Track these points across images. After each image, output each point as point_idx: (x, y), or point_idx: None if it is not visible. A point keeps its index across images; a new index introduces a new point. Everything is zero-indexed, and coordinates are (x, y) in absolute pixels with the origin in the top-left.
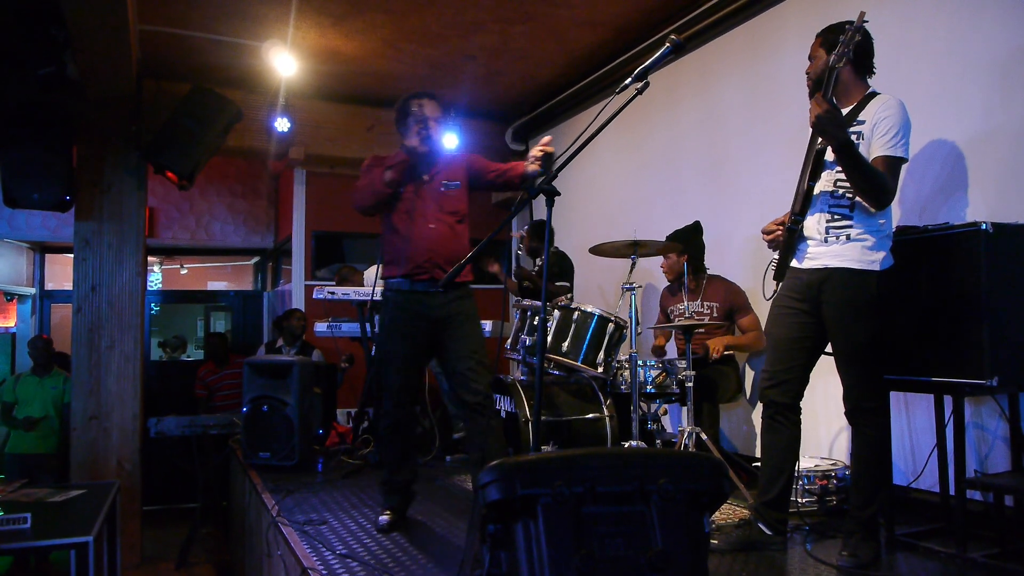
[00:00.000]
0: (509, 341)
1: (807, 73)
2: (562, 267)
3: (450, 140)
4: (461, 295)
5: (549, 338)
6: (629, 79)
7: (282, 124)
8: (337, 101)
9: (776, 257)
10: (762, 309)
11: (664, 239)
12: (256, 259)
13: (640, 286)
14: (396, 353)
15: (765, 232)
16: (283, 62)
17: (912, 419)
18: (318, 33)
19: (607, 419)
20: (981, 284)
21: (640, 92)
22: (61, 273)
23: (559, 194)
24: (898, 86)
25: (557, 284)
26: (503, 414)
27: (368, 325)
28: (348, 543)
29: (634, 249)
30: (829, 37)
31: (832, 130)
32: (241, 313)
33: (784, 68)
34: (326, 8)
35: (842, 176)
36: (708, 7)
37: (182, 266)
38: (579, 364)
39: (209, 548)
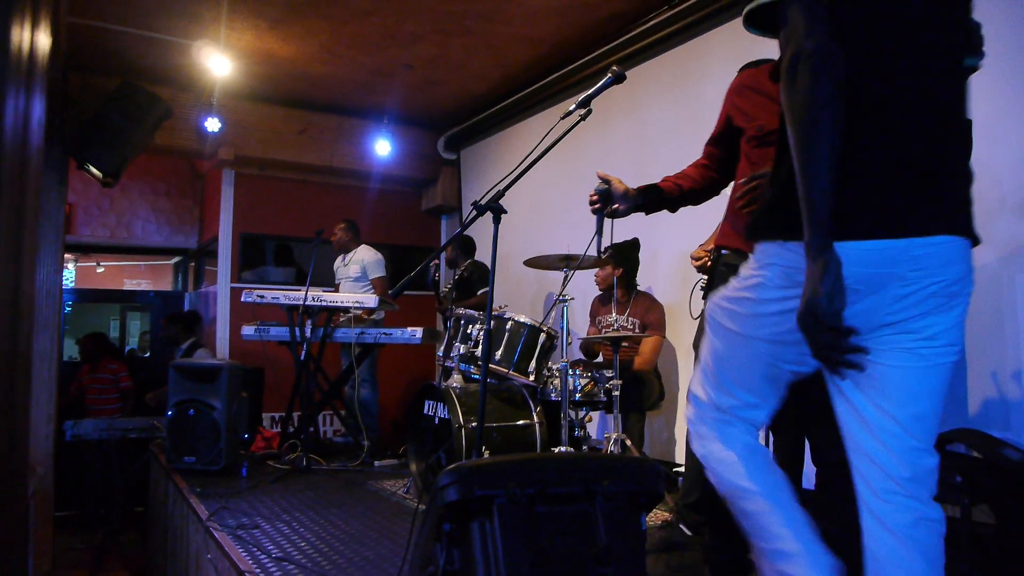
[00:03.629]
0: (442, 348)
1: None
2: (483, 277)
3: (382, 147)
4: None
5: (482, 346)
6: (574, 106)
7: (212, 124)
8: (270, 103)
9: (704, 278)
10: (685, 327)
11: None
12: (177, 259)
13: (572, 298)
14: None
15: (693, 257)
16: (217, 62)
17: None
18: (254, 35)
19: (537, 426)
20: None
21: (583, 119)
22: None
23: (505, 212)
24: None
25: (479, 293)
26: (436, 420)
27: (297, 329)
28: (282, 546)
29: (566, 262)
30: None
31: None
32: (160, 314)
33: (710, 92)
34: (264, 11)
35: None
36: (640, 31)
37: (98, 264)
38: (511, 372)
39: (125, 555)
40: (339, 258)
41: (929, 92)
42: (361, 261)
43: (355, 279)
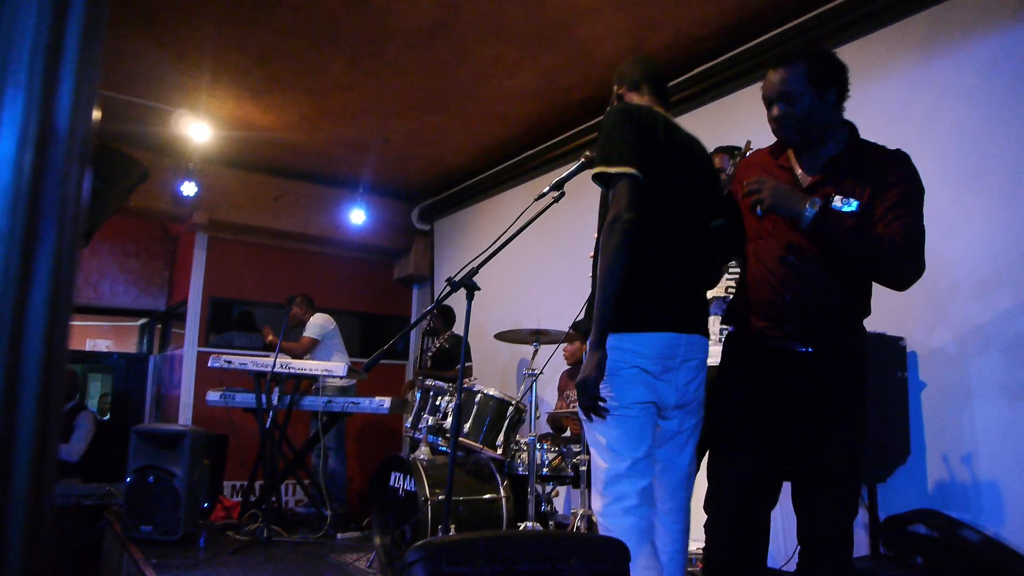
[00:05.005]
0: (410, 420)
1: None
2: (459, 351)
3: (356, 216)
4: None
5: (451, 418)
6: (548, 188)
7: (189, 188)
8: (247, 169)
9: None
10: None
11: (568, 327)
12: (144, 321)
13: (541, 372)
14: None
15: None
16: (196, 129)
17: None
18: (235, 104)
19: (504, 500)
20: None
21: (556, 201)
22: None
23: (479, 288)
24: None
25: (457, 368)
26: (402, 493)
27: (264, 396)
28: None
29: (536, 336)
30: (731, 155)
31: None
32: (124, 376)
33: None
34: (247, 81)
35: (732, 283)
36: None
37: None
38: (479, 445)
39: None
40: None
41: (691, 242)
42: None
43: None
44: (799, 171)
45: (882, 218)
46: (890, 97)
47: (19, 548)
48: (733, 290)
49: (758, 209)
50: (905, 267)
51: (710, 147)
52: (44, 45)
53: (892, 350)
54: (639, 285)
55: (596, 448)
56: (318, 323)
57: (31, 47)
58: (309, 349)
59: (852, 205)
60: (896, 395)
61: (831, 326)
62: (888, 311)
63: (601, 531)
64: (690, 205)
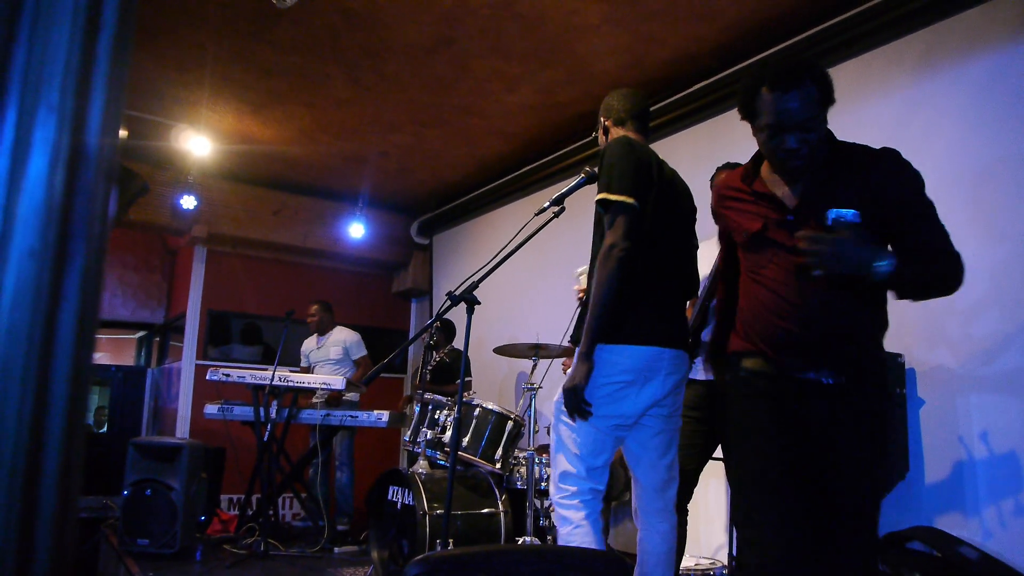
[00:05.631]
0: (408, 433)
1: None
2: (459, 366)
3: (355, 230)
4: None
5: (449, 432)
6: (548, 203)
7: (188, 202)
8: (246, 183)
9: None
10: None
11: (567, 341)
12: (142, 334)
13: (540, 387)
14: None
15: None
16: (196, 143)
17: None
18: (235, 118)
19: (502, 514)
20: None
21: (556, 216)
22: None
23: (479, 303)
24: None
25: (457, 382)
26: (399, 507)
27: (262, 409)
28: None
29: (535, 351)
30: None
31: None
32: (121, 389)
33: None
34: (247, 96)
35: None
36: None
37: None
38: (477, 459)
39: None
40: (312, 340)
41: (675, 264)
42: (342, 343)
43: (336, 361)
44: (780, 192)
45: (908, 229)
46: (887, 115)
47: (45, 564)
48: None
49: (815, 272)
50: (962, 271)
51: (709, 164)
52: (76, 66)
53: (891, 367)
54: (628, 302)
55: (560, 446)
56: (359, 339)
57: (63, 68)
58: (369, 366)
59: (849, 215)
60: (895, 412)
61: (857, 352)
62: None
63: (554, 515)
64: (675, 231)
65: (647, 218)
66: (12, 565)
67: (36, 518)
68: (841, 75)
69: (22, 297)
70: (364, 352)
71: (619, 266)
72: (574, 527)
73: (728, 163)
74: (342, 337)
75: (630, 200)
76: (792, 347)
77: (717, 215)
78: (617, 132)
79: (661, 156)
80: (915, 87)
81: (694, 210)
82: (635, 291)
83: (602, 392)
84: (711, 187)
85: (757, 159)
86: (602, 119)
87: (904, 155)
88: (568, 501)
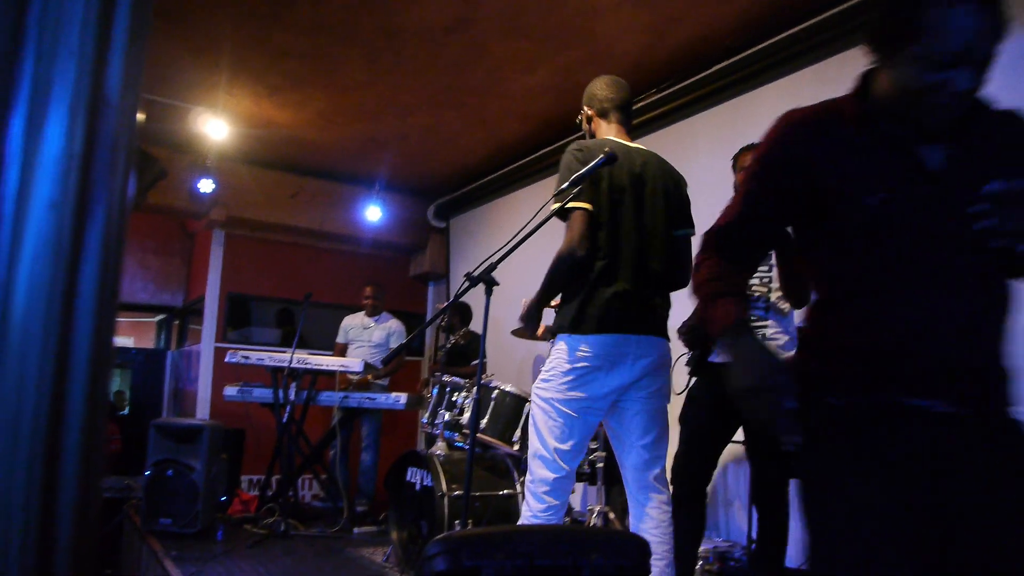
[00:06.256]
0: (426, 415)
1: (738, 183)
2: (476, 347)
3: (373, 213)
4: None
5: (467, 414)
6: (567, 184)
7: (206, 185)
8: (264, 166)
9: (685, 354)
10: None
11: None
12: (161, 317)
13: None
14: None
15: (680, 332)
16: (214, 127)
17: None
18: (252, 102)
19: (520, 496)
20: None
21: (576, 198)
22: None
23: (497, 284)
24: None
25: (474, 364)
26: (418, 488)
27: (281, 391)
28: None
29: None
30: None
31: None
32: (142, 371)
33: (694, 174)
34: (264, 79)
35: (756, 280)
36: None
37: None
38: (495, 440)
39: None
40: (357, 317)
41: (644, 255)
42: (388, 329)
43: (376, 345)
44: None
45: None
46: None
47: (67, 547)
48: (759, 290)
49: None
50: None
51: (730, 146)
52: (96, 8)
53: None
54: (589, 295)
55: (533, 429)
56: (403, 329)
57: (83, 12)
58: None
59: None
60: None
61: (995, 374)
62: None
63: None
64: (643, 224)
65: (607, 216)
66: (33, 547)
67: (57, 507)
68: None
69: (43, 250)
70: (403, 341)
71: (571, 269)
72: (531, 516)
73: (751, 144)
74: (391, 324)
75: (583, 204)
76: (925, 368)
77: (786, 171)
78: (600, 124)
79: (681, 138)
80: None
81: (679, 195)
82: (597, 285)
83: (569, 376)
84: (733, 168)
85: (862, 96)
86: (585, 108)
87: None
88: (535, 488)
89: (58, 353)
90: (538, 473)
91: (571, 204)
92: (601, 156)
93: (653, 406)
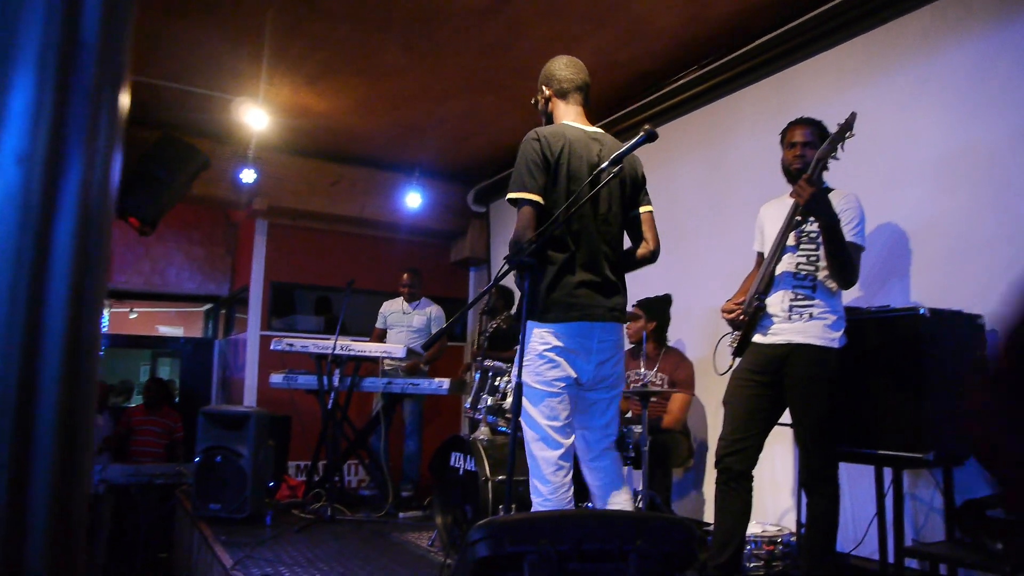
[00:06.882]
0: (469, 400)
1: (788, 159)
2: (518, 331)
3: (412, 199)
4: None
5: (510, 399)
6: (606, 163)
7: (248, 175)
8: (304, 155)
9: (728, 334)
10: (715, 383)
11: (632, 305)
12: (208, 306)
13: None
14: None
15: (725, 311)
16: (255, 117)
17: (853, 489)
18: (291, 90)
19: None
20: (920, 365)
21: (615, 176)
22: None
23: (534, 263)
24: (850, 181)
25: (516, 348)
26: (462, 473)
27: (326, 378)
28: None
29: None
30: (818, 129)
31: (823, 209)
32: (191, 360)
33: (739, 151)
34: (302, 68)
35: (803, 259)
36: (669, 90)
37: (132, 309)
38: None
39: None
40: (397, 303)
41: (599, 239)
42: (428, 315)
43: (417, 330)
44: None
45: None
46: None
47: (41, 540)
48: (806, 269)
49: None
50: None
51: (777, 120)
52: None
53: (971, 328)
54: (554, 285)
55: (524, 415)
56: (443, 313)
57: None
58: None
59: None
60: (975, 375)
61: None
62: (968, 288)
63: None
64: (601, 212)
65: (562, 205)
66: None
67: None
68: (907, 30)
69: (6, 209)
70: (443, 326)
71: (519, 259)
72: (543, 501)
73: (803, 118)
74: (430, 309)
75: (531, 196)
76: None
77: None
78: (558, 105)
79: (724, 115)
80: (995, 34)
81: (634, 176)
82: (558, 273)
83: (545, 359)
84: (781, 143)
85: None
86: (543, 88)
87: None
88: (541, 470)
89: (27, 321)
90: (540, 455)
91: (519, 196)
92: (642, 133)
93: (607, 394)
